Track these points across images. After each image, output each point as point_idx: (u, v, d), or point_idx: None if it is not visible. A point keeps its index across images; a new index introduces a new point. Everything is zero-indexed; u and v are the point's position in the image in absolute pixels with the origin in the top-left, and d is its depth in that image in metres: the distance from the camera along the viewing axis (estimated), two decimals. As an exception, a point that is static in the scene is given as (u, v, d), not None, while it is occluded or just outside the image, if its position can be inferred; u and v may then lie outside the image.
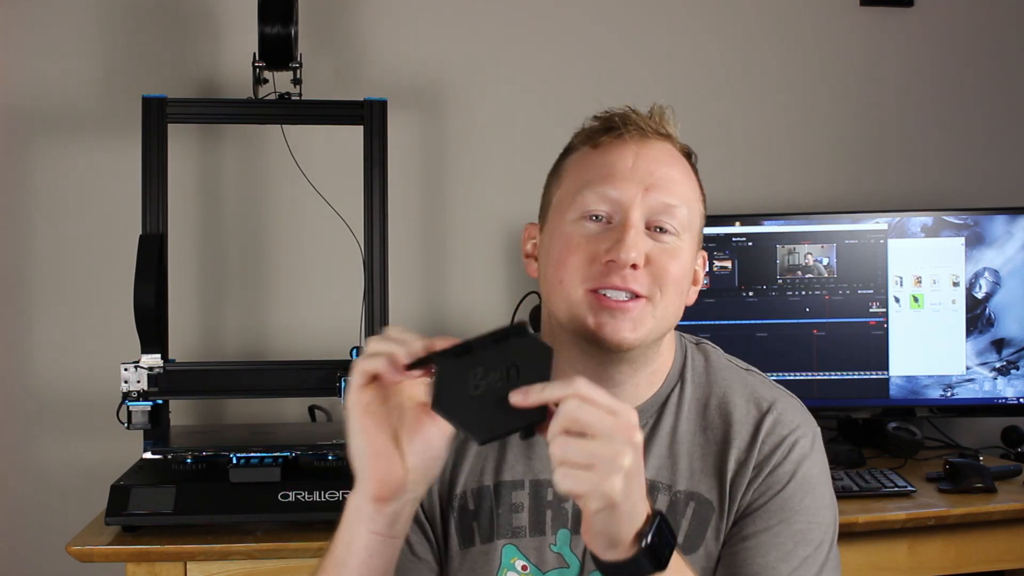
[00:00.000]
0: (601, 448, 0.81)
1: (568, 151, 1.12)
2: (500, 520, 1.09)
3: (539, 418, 0.84)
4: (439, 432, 0.89)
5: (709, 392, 1.11)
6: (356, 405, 0.89)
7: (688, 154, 1.12)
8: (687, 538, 1.05)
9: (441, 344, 0.87)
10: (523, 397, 0.83)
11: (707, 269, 1.13)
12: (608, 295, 1.01)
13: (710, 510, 1.06)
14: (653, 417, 1.09)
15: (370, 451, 0.89)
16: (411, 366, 0.86)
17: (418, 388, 0.89)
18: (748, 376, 1.14)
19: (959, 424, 2.27)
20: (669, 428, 1.09)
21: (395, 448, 0.90)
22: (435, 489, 1.10)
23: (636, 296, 1.01)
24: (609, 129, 1.06)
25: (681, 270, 1.04)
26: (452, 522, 1.10)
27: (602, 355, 1.04)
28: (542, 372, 0.84)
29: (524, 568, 1.08)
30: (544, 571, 1.07)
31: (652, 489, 1.06)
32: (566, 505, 1.08)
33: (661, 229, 1.03)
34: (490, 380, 0.84)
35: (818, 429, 1.11)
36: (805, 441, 1.08)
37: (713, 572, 1.06)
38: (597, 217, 1.03)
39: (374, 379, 0.88)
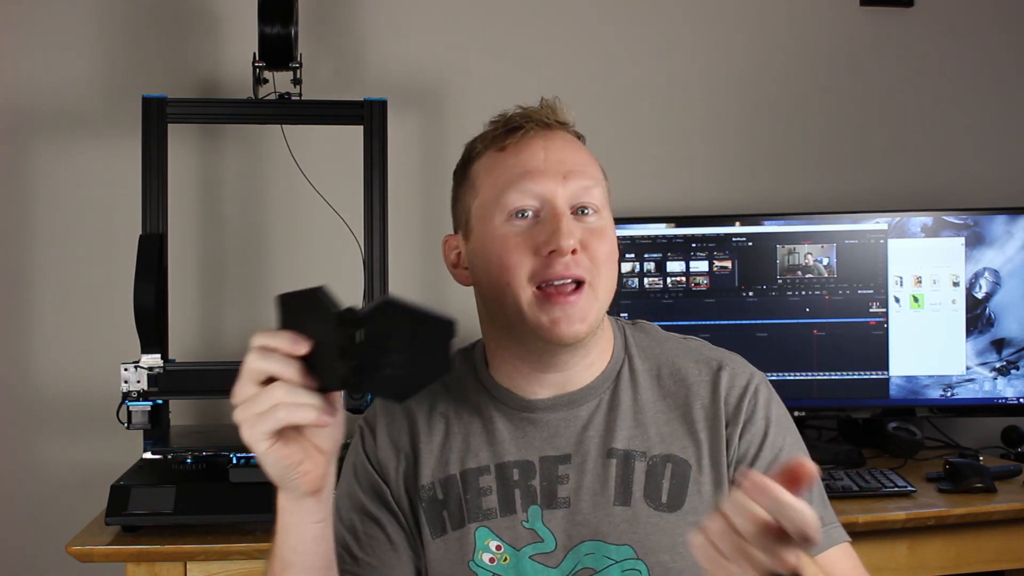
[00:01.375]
0: None
1: (471, 159, 1.14)
2: (469, 505, 1.12)
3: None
4: (338, 418, 0.90)
5: (659, 363, 1.16)
6: (267, 450, 0.88)
7: (580, 138, 1.16)
8: (670, 496, 1.10)
9: (289, 343, 0.86)
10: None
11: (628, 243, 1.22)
12: (556, 286, 1.04)
13: (687, 468, 1.10)
14: (608, 391, 1.14)
15: (288, 464, 0.89)
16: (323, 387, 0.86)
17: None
18: (689, 343, 1.21)
19: (959, 424, 2.27)
20: (631, 400, 1.14)
21: (307, 446, 0.90)
22: (402, 483, 1.14)
23: (579, 285, 1.05)
24: (512, 130, 1.10)
25: (610, 247, 1.09)
26: (422, 513, 1.13)
27: (555, 347, 1.08)
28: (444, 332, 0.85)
29: (498, 548, 1.11)
30: (518, 548, 1.10)
31: (629, 457, 1.11)
32: (533, 483, 1.11)
33: (584, 211, 1.08)
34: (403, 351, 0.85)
35: (764, 374, 1.18)
36: (763, 387, 1.15)
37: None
38: (524, 213, 1.07)
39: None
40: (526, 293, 1.05)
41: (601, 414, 1.13)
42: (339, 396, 0.90)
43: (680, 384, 1.14)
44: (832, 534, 1.11)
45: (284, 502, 0.94)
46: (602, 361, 1.14)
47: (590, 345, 1.11)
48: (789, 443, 1.12)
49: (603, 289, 1.08)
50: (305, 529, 0.95)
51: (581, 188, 1.08)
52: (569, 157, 1.09)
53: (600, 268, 1.07)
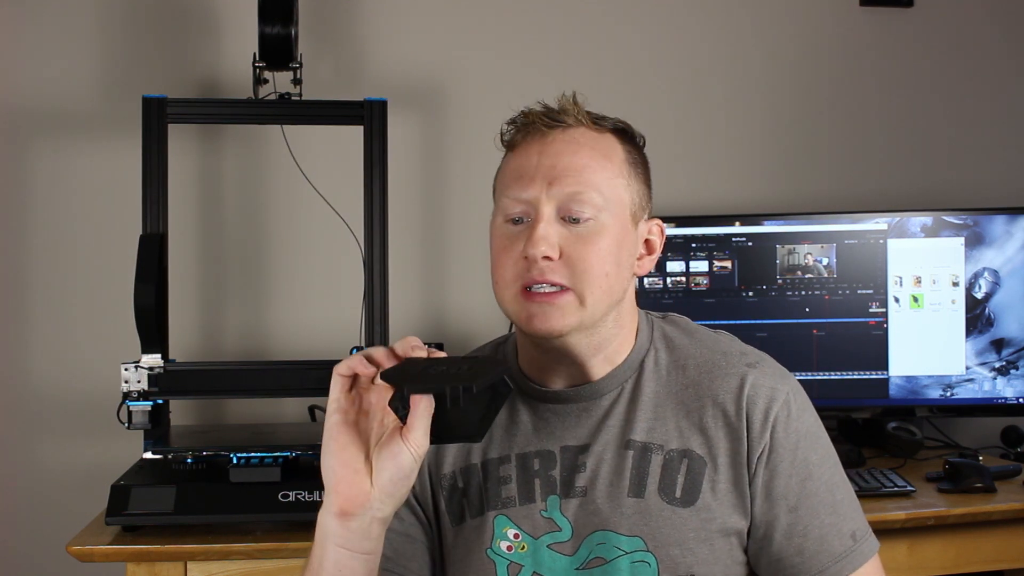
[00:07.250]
0: None
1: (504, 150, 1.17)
2: (489, 494, 1.14)
3: (506, 389, 1.01)
4: (409, 455, 0.95)
5: (686, 355, 1.16)
6: (335, 414, 0.97)
7: (621, 130, 1.14)
8: (684, 492, 1.09)
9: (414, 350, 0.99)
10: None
11: (664, 236, 1.20)
12: (534, 289, 1.07)
13: (702, 465, 1.10)
14: (631, 381, 1.14)
15: (339, 463, 0.96)
16: (387, 377, 0.95)
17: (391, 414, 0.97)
18: (720, 336, 1.21)
19: (959, 424, 2.28)
20: (652, 392, 1.14)
21: (365, 464, 0.96)
22: (425, 472, 1.17)
23: (562, 288, 1.06)
24: (517, 132, 1.13)
25: (600, 253, 1.07)
26: (442, 501, 1.16)
27: (547, 343, 1.09)
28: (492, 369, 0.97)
29: (516, 536, 1.12)
30: (536, 536, 1.11)
31: (646, 450, 1.11)
32: (553, 473, 1.13)
33: (574, 219, 1.07)
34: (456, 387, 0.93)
35: (794, 379, 1.16)
36: (792, 399, 1.12)
37: (715, 523, 1.09)
38: (516, 220, 1.09)
39: (353, 382, 0.99)
40: (510, 291, 1.09)
41: (622, 405, 1.13)
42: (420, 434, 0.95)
43: (706, 377, 1.13)
44: (864, 550, 1.10)
45: (320, 514, 0.98)
46: (622, 353, 1.15)
47: (593, 343, 1.11)
48: (820, 456, 1.11)
49: (592, 296, 1.07)
50: (328, 547, 0.97)
51: (566, 194, 1.07)
52: (561, 161, 1.08)
53: (583, 273, 1.06)
